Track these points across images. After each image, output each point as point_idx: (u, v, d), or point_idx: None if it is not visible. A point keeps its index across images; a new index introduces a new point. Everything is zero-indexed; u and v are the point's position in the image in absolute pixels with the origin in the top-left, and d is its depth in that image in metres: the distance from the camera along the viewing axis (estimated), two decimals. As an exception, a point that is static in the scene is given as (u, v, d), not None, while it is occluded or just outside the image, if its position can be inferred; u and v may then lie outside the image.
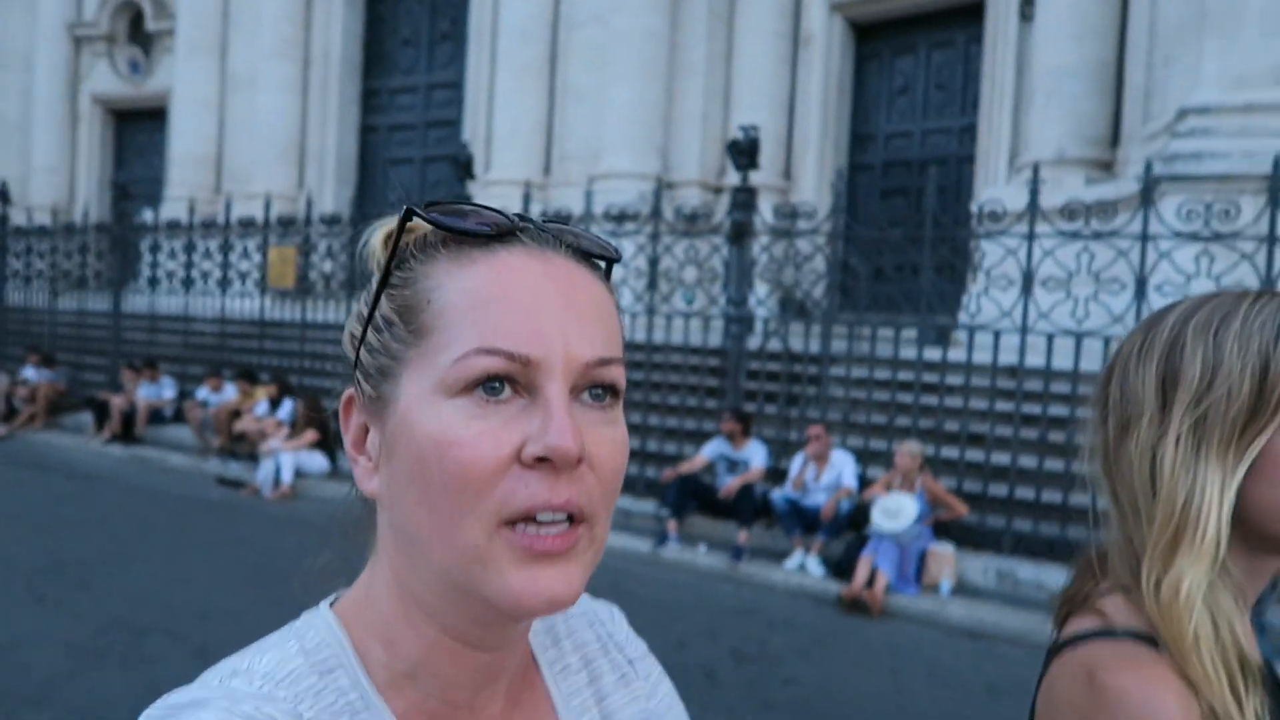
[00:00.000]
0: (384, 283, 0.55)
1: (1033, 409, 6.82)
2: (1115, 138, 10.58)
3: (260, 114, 17.15)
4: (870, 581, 5.65)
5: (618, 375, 0.54)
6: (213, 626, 4.66)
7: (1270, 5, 7.98)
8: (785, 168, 13.68)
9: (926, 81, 12.99)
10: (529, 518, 0.49)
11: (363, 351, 0.56)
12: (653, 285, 7.41)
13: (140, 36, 20.39)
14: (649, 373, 7.81)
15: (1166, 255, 6.20)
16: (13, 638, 4.39)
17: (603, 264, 0.58)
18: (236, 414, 9.28)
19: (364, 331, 0.56)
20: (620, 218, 7.63)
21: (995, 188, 10.91)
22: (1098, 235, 6.65)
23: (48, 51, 20.62)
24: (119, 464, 9.47)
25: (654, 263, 7.36)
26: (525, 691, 0.64)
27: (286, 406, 8.98)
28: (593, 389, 0.52)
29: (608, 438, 0.52)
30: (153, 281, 11.02)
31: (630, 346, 8.40)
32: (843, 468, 6.44)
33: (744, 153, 7.40)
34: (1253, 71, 8.03)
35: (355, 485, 0.58)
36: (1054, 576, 5.69)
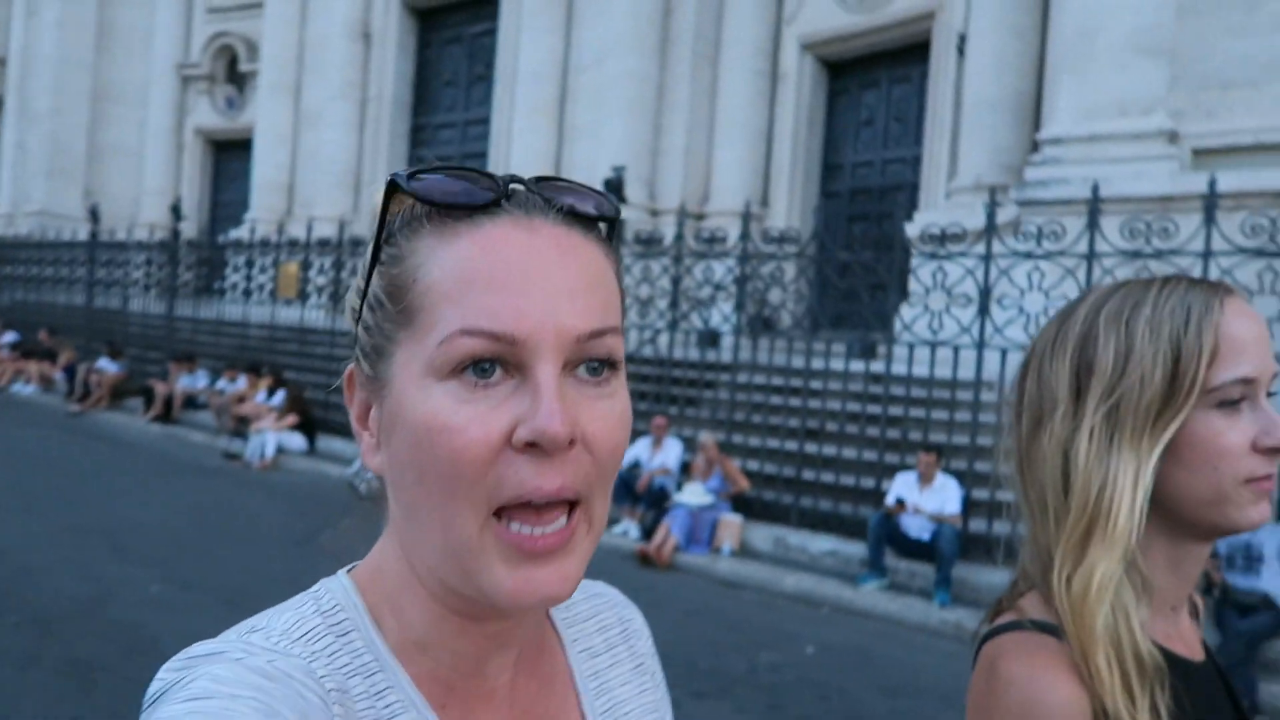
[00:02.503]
0: (375, 258, 0.53)
1: (875, 409, 7.83)
2: (1034, 166, 11.36)
3: (324, 147, 19.45)
4: (663, 542, 6.89)
5: (614, 346, 0.52)
6: (131, 537, 6.38)
7: (1115, 43, 8.79)
8: (763, 195, 14.87)
9: (887, 114, 13.97)
10: (523, 504, 0.49)
11: (360, 329, 0.55)
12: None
13: (235, 76, 23.28)
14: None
15: (1006, 273, 6.76)
16: (3, 526, 6.31)
17: (602, 225, 0.55)
18: (243, 400, 11.20)
19: (361, 307, 0.55)
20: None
21: (923, 213, 11.84)
22: (949, 255, 7.47)
23: (160, 89, 23.73)
24: (153, 438, 11.53)
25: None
26: (546, 665, 0.63)
27: (279, 395, 10.82)
28: (589, 363, 0.51)
29: (603, 413, 0.51)
30: (199, 290, 13.20)
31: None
32: (670, 452, 7.69)
33: (615, 189, 8.74)
34: (1099, 104, 8.84)
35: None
36: (816, 542, 6.86)
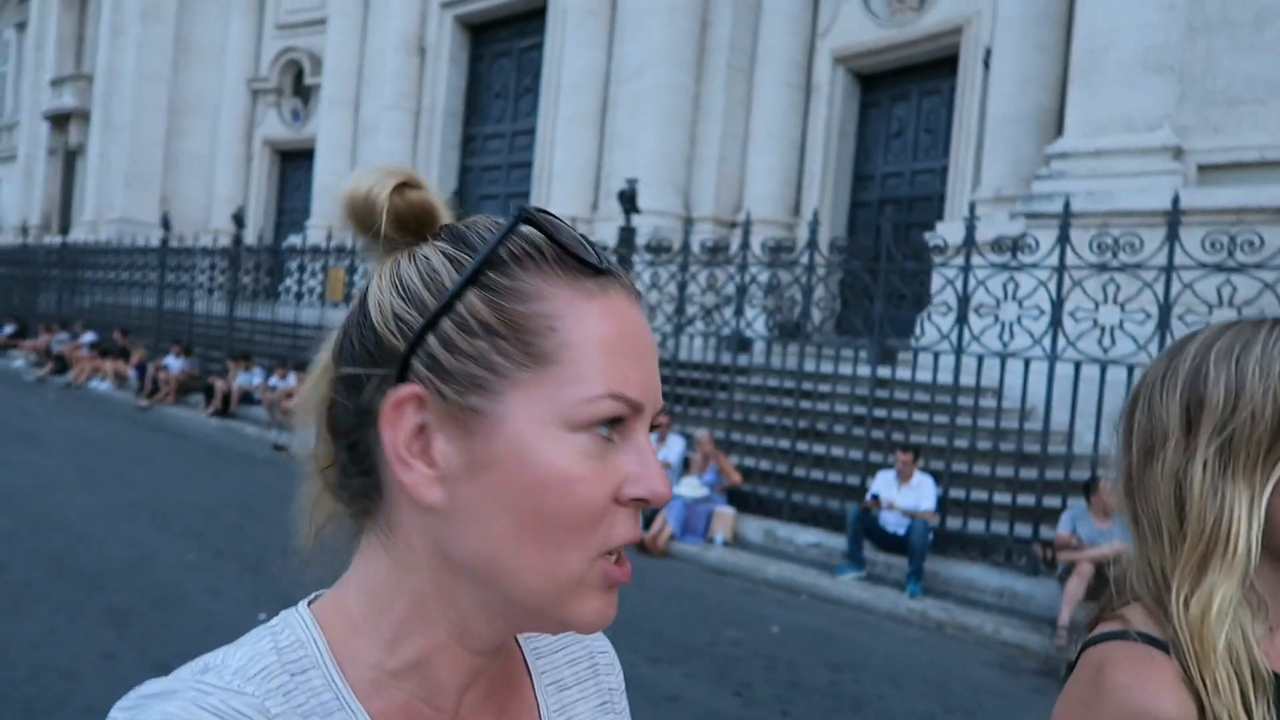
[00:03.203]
0: (474, 280, 0.53)
1: (861, 410, 8.19)
2: (1057, 178, 11.52)
3: (380, 156, 20.34)
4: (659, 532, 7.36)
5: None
6: (177, 513, 7.10)
7: (1125, 60, 8.99)
8: (795, 204, 15.24)
9: (917, 126, 14.21)
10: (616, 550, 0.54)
11: (442, 350, 0.52)
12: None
13: (301, 89, 24.49)
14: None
15: (983, 283, 7.27)
16: (67, 501, 7.10)
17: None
18: (291, 396, 12.02)
19: (433, 321, 0.52)
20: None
21: (944, 224, 12.07)
22: (930, 266, 8.01)
23: (231, 102, 25.13)
24: (211, 431, 12.42)
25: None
26: (514, 701, 0.65)
27: (325, 390, 11.60)
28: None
29: None
30: (255, 293, 14.13)
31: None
32: (672, 448, 8.15)
33: (628, 200, 9.24)
34: (1108, 119, 9.05)
35: (335, 481, 0.58)
36: (803, 535, 7.27)
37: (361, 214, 0.55)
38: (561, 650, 0.70)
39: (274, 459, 10.63)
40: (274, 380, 12.76)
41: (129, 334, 16.63)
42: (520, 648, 0.68)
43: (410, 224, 0.56)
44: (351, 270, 12.12)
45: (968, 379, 7.20)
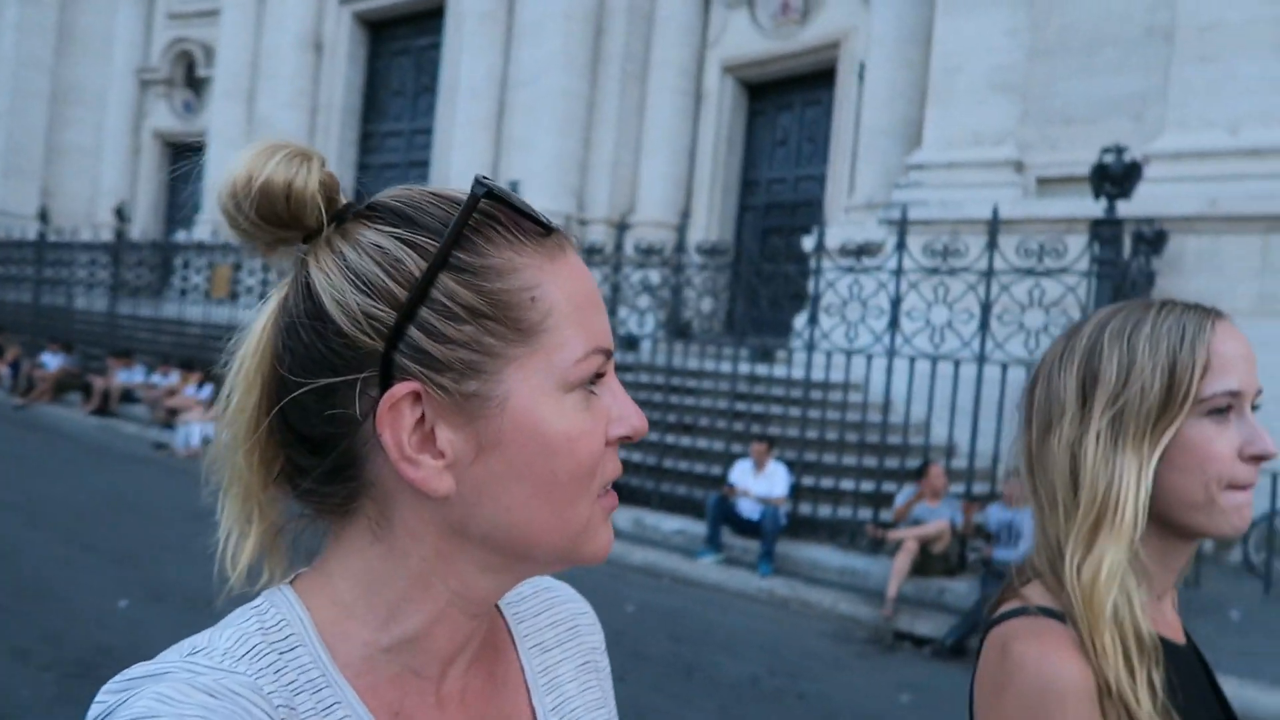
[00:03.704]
0: (443, 263, 0.51)
1: (723, 404, 8.61)
2: (922, 188, 12.30)
3: (275, 151, 20.00)
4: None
5: None
6: (47, 510, 7.06)
7: (973, 79, 9.74)
8: (685, 207, 15.73)
9: (800, 134, 14.89)
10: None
11: (428, 341, 0.51)
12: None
13: (193, 81, 23.85)
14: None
15: (832, 285, 7.90)
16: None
17: None
18: (173, 394, 11.86)
19: (410, 313, 0.51)
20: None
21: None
22: (797, 270, 8.48)
23: (118, 92, 24.25)
24: (89, 429, 12.13)
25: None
26: (500, 664, 0.65)
27: (208, 389, 11.49)
28: None
29: None
30: (137, 290, 13.86)
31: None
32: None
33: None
34: (958, 134, 9.78)
35: (307, 489, 0.55)
36: (668, 522, 7.66)
37: (277, 208, 0.54)
38: (543, 613, 0.71)
39: (154, 457, 10.50)
40: (156, 378, 12.56)
41: (3, 330, 16.01)
42: (502, 614, 0.68)
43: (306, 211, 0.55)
44: (237, 267, 12.02)
45: (824, 375, 7.76)
